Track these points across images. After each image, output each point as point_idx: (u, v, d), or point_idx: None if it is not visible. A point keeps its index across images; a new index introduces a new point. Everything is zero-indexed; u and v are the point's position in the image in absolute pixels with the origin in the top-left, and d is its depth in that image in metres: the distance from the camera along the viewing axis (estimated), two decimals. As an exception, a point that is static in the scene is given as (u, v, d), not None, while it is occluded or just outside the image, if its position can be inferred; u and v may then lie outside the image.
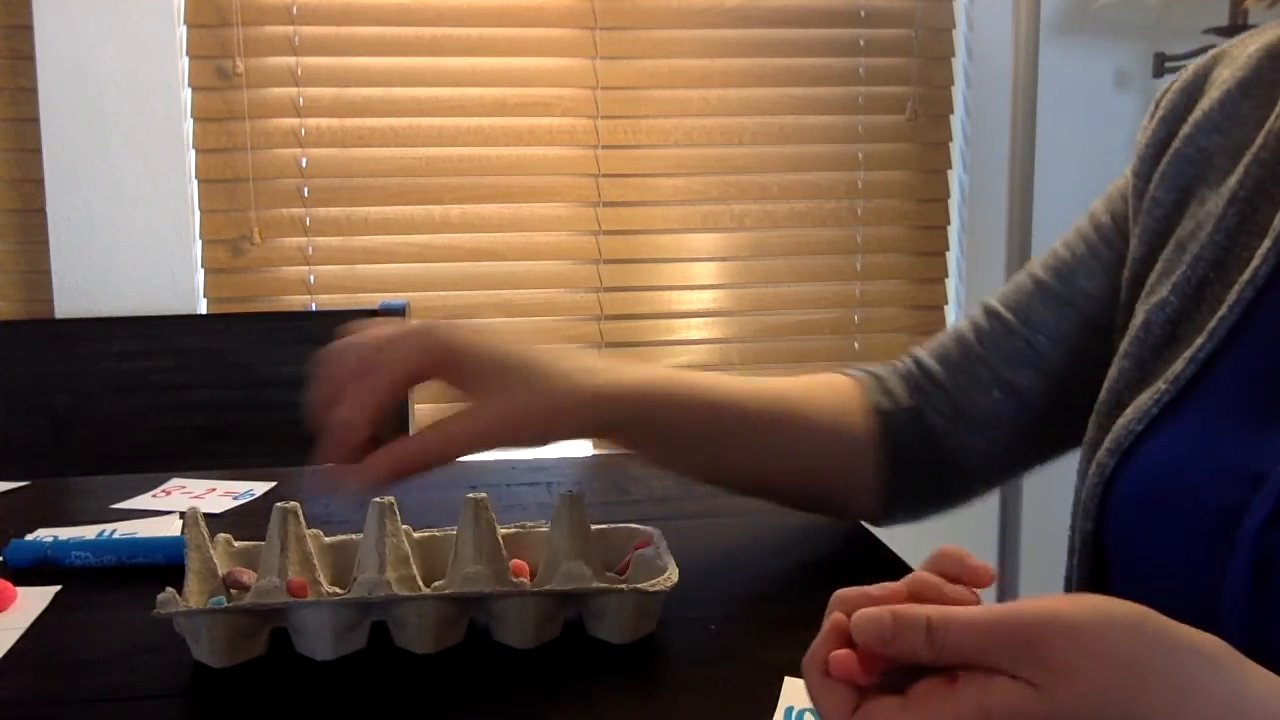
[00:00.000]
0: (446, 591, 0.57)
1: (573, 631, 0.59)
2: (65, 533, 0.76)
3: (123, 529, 0.78)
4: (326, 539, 0.63)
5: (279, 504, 0.59)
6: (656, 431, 0.65)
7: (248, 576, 0.59)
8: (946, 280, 2.16)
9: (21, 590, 0.65)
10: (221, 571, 0.60)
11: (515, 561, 0.61)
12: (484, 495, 0.59)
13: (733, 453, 0.68)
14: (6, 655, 0.57)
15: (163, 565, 0.69)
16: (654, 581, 0.57)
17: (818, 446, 0.70)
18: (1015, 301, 0.71)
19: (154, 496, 0.87)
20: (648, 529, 0.65)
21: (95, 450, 1.70)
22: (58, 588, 0.66)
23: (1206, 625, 0.47)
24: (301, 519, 0.59)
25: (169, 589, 0.54)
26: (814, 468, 0.70)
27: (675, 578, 0.57)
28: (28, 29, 1.80)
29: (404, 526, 0.60)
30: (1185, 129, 0.61)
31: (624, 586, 0.57)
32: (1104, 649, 0.33)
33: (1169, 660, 0.33)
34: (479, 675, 0.55)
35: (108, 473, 0.96)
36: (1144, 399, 0.55)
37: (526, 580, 0.60)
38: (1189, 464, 0.51)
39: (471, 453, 0.60)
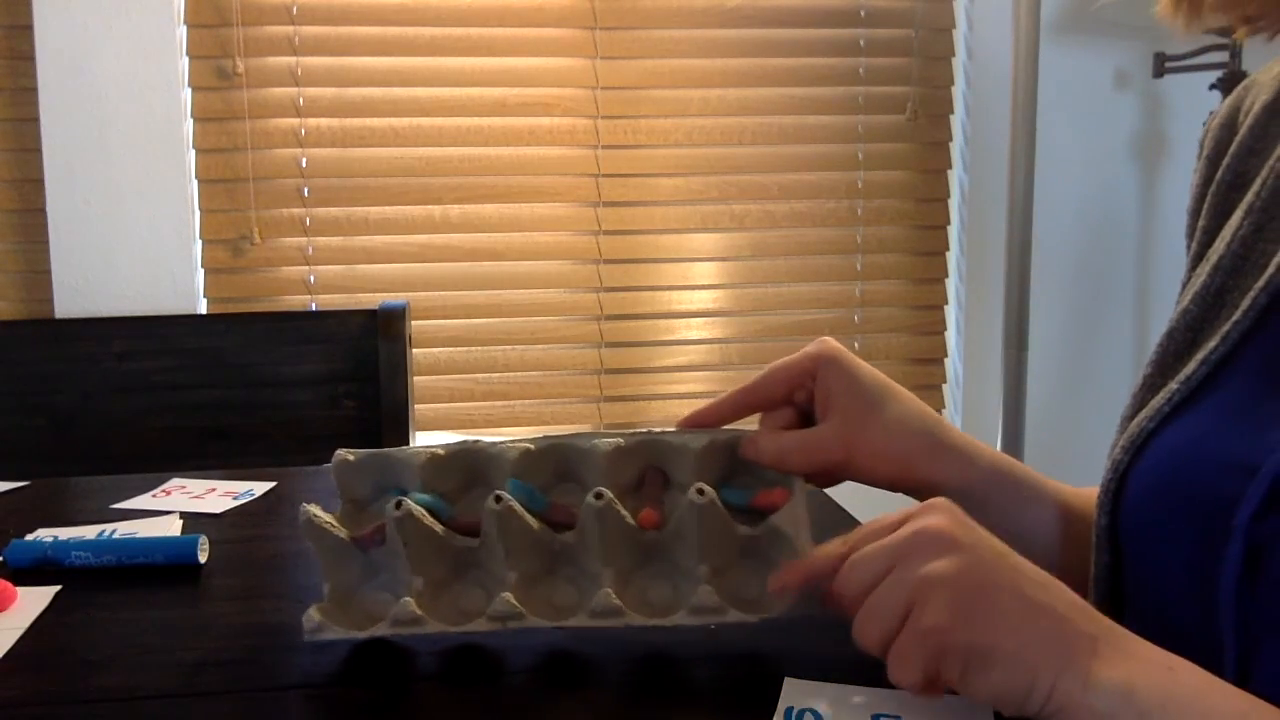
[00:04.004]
0: (572, 622, 0.55)
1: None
2: (65, 533, 0.76)
3: (123, 529, 0.77)
4: (441, 453, 0.60)
5: (395, 512, 0.55)
6: (1005, 507, 0.63)
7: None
8: (946, 280, 2.16)
9: (21, 590, 0.65)
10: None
11: (644, 514, 0.58)
12: (610, 498, 0.56)
13: (1063, 550, 0.64)
14: (6, 655, 0.57)
15: (162, 565, 0.69)
16: (746, 614, 0.55)
17: None
18: None
19: (154, 496, 0.87)
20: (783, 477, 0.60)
21: (95, 450, 1.70)
22: (58, 588, 0.66)
23: (1206, 613, 0.49)
24: (425, 519, 0.57)
25: (314, 612, 0.54)
26: None
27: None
28: (28, 29, 1.80)
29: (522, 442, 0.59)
30: (1226, 159, 0.63)
31: (712, 625, 0.55)
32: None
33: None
34: (487, 670, 0.55)
35: (108, 473, 0.96)
36: (1159, 399, 0.57)
37: (654, 525, 0.58)
38: (1192, 458, 0.53)
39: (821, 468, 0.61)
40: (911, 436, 0.60)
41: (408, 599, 0.55)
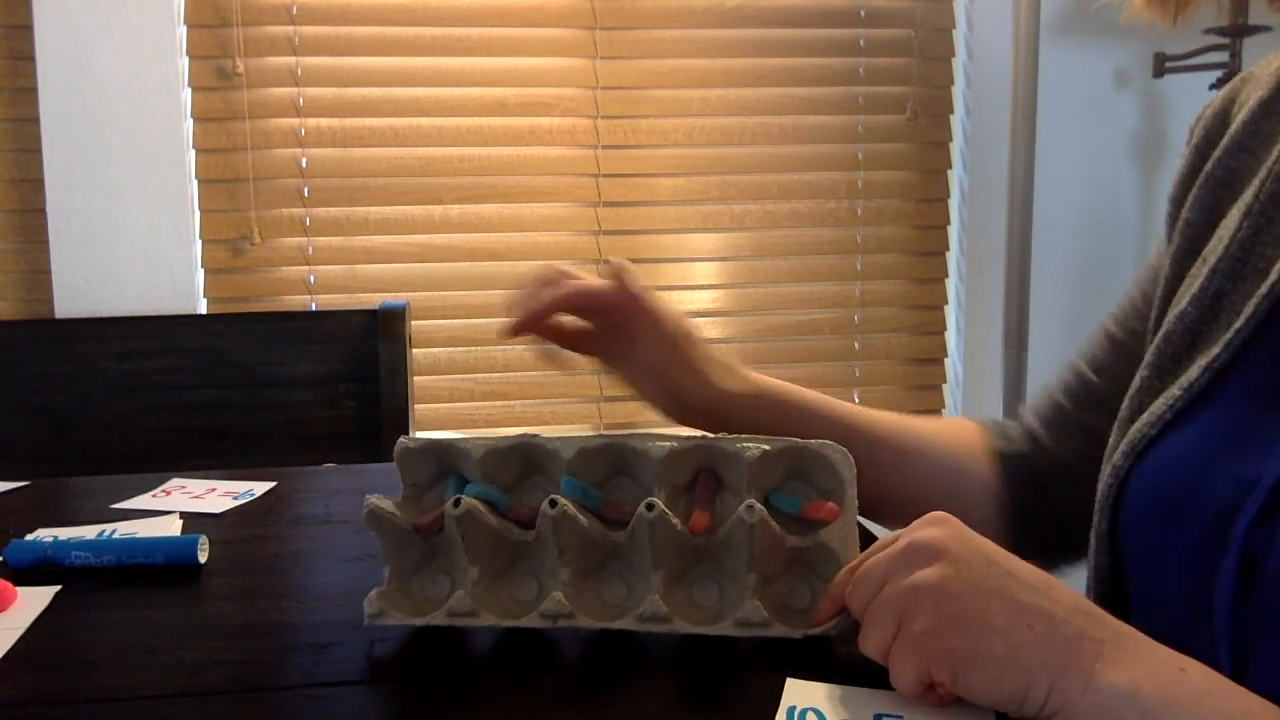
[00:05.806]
0: (617, 624, 0.56)
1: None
2: (65, 533, 0.76)
3: (123, 529, 0.77)
4: (501, 446, 0.62)
5: (454, 511, 0.57)
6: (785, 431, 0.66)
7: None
8: (946, 280, 2.16)
9: (21, 590, 0.65)
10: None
11: (695, 519, 0.59)
12: (661, 509, 0.56)
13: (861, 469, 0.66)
14: (6, 655, 0.57)
15: (162, 565, 0.69)
16: (794, 628, 0.55)
17: (939, 476, 0.73)
18: (1089, 353, 0.74)
19: (154, 496, 0.87)
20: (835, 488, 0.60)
21: (95, 450, 1.70)
22: (58, 588, 0.66)
23: (1202, 620, 0.50)
24: (483, 516, 0.58)
25: (374, 597, 0.56)
26: (935, 497, 0.71)
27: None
28: (28, 29, 1.80)
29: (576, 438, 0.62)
30: (1216, 153, 0.63)
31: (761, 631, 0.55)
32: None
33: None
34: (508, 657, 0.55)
35: (108, 473, 0.96)
36: (1159, 404, 0.57)
37: (703, 530, 0.58)
38: (1193, 467, 0.53)
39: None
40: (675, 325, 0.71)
41: (461, 592, 0.57)
